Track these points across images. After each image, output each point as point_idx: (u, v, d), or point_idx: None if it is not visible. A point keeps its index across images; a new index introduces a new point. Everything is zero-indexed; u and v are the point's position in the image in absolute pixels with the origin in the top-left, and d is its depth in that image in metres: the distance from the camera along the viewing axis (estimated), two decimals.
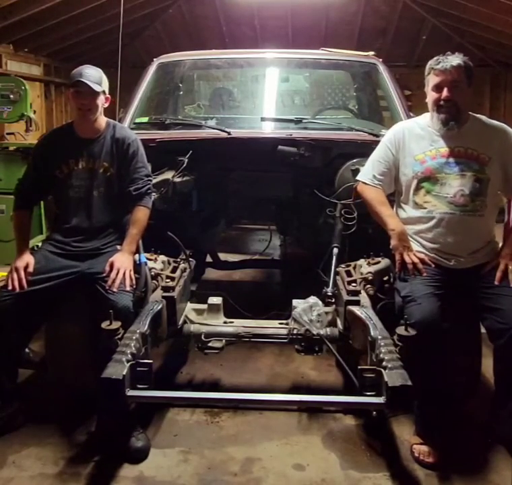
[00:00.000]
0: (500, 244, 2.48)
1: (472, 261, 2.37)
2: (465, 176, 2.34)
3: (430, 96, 2.38)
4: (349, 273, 2.55)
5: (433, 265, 2.35)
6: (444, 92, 2.31)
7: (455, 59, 2.31)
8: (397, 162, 2.48)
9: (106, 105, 2.57)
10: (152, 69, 3.59)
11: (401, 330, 2.01)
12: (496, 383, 2.31)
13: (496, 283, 2.27)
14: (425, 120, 2.50)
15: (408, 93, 5.67)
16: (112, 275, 2.34)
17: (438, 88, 2.33)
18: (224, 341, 2.48)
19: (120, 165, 2.56)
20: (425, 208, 2.39)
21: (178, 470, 2.23)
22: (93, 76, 2.46)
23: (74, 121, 2.62)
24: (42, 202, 3.41)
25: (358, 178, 2.61)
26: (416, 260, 2.32)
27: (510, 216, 3.82)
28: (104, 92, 2.52)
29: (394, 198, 2.59)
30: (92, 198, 2.54)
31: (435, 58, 2.37)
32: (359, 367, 1.94)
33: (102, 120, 2.58)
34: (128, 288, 2.35)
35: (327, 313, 2.49)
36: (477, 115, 2.46)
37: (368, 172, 2.55)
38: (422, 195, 2.40)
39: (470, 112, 2.43)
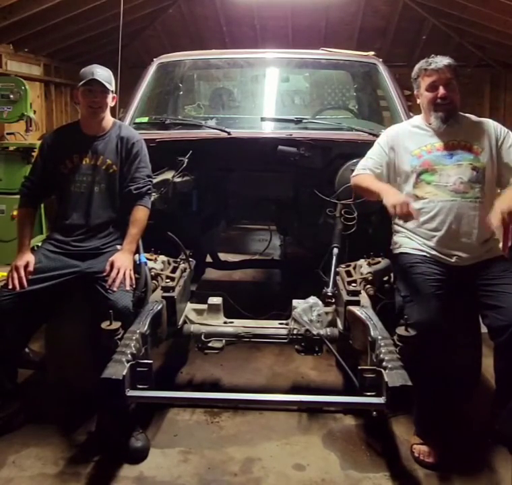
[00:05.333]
0: (501, 243, 2.49)
1: (473, 258, 2.37)
2: (462, 165, 2.39)
3: (425, 97, 2.45)
4: (349, 273, 2.55)
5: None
6: (441, 90, 2.38)
7: (444, 59, 2.40)
8: (391, 161, 2.52)
9: (113, 104, 2.62)
10: (152, 69, 3.59)
11: (401, 330, 2.01)
12: (497, 381, 2.31)
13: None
14: (417, 121, 2.57)
15: (408, 93, 5.66)
16: (113, 274, 2.34)
17: (432, 88, 2.40)
18: (223, 341, 2.48)
19: (123, 163, 2.58)
20: (426, 198, 2.41)
21: (178, 470, 2.23)
22: (105, 75, 2.53)
23: (80, 119, 2.66)
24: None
25: (353, 175, 2.62)
26: (406, 210, 2.20)
27: None
28: (112, 91, 2.57)
29: None
30: (93, 193, 2.55)
31: (423, 60, 2.45)
32: (359, 367, 1.94)
33: (109, 119, 2.63)
34: (128, 288, 2.35)
35: (327, 313, 2.50)
36: (465, 114, 2.52)
37: (362, 166, 2.58)
38: (423, 187, 2.43)
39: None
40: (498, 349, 2.23)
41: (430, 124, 2.46)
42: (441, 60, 2.38)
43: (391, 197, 2.29)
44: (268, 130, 3.29)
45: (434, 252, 2.38)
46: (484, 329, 2.33)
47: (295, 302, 2.50)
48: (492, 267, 2.34)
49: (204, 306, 2.62)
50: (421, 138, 2.48)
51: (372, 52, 3.76)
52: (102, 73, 2.52)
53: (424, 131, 2.49)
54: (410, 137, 2.50)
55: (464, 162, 2.40)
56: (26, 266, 2.38)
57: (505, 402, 2.24)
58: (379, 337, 2.03)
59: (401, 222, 2.49)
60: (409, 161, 2.46)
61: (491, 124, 2.48)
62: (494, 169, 2.43)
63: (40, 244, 2.74)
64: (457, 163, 2.40)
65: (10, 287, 2.33)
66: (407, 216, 2.23)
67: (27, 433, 2.42)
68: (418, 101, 2.52)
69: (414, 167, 2.44)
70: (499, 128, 2.47)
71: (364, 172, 2.56)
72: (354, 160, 2.83)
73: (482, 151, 2.42)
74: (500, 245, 2.56)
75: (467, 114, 2.53)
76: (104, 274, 2.36)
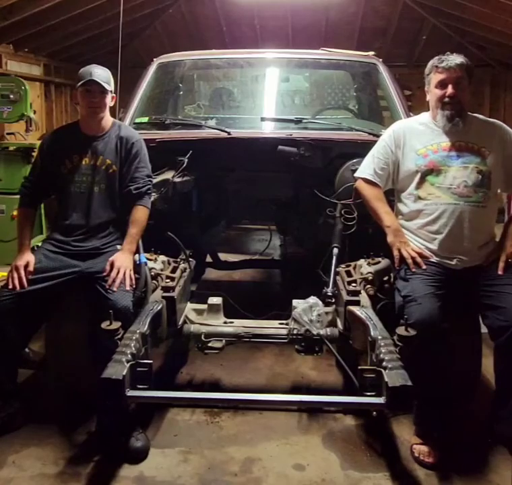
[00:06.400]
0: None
1: (474, 261, 2.37)
2: (468, 168, 2.38)
3: (433, 94, 2.43)
4: (349, 273, 2.55)
5: (433, 256, 2.37)
6: (449, 89, 2.37)
7: (457, 58, 2.38)
8: (397, 159, 2.51)
9: (112, 104, 2.62)
10: (152, 69, 3.59)
11: (401, 330, 2.01)
12: (497, 382, 2.31)
13: (499, 272, 2.29)
14: (424, 118, 2.55)
15: (408, 93, 5.67)
16: (113, 274, 2.34)
17: (442, 85, 2.39)
18: (224, 341, 2.49)
19: (122, 163, 2.58)
20: (429, 200, 2.41)
21: (178, 470, 2.23)
22: (103, 75, 2.53)
23: (80, 119, 2.66)
24: None
25: (356, 175, 2.63)
26: (414, 254, 2.35)
27: (510, 213, 3.85)
28: (111, 91, 2.57)
29: (394, 198, 2.60)
30: (93, 194, 2.55)
31: (437, 57, 2.43)
32: (359, 367, 1.94)
33: (108, 119, 2.63)
34: (128, 288, 2.35)
35: (327, 313, 2.50)
36: (474, 114, 2.51)
37: (368, 168, 2.57)
38: (426, 187, 2.42)
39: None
40: (498, 349, 2.23)
41: (436, 122, 2.45)
42: (454, 59, 2.37)
43: (397, 243, 2.39)
44: (268, 130, 3.29)
45: (434, 256, 2.38)
46: (484, 329, 2.32)
47: (295, 302, 2.50)
48: (493, 268, 2.33)
49: (204, 306, 2.62)
50: (427, 136, 2.46)
51: (372, 52, 3.76)
52: (101, 73, 2.52)
53: (431, 129, 2.47)
54: (417, 135, 2.49)
55: (470, 164, 2.38)
56: (26, 266, 2.38)
57: (505, 402, 2.24)
58: (379, 337, 2.03)
59: (402, 222, 2.49)
60: (414, 160, 2.45)
61: (502, 127, 2.46)
62: (500, 173, 2.41)
63: (40, 244, 2.74)
64: (462, 165, 2.38)
65: (10, 287, 2.33)
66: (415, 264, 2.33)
67: (27, 433, 2.43)
68: (427, 97, 2.50)
69: (419, 166, 2.43)
70: (508, 132, 2.44)
71: (371, 177, 2.53)
72: (354, 160, 2.84)
73: (489, 154, 2.39)
74: None
75: (476, 115, 2.51)
76: (104, 274, 2.36)
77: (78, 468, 2.22)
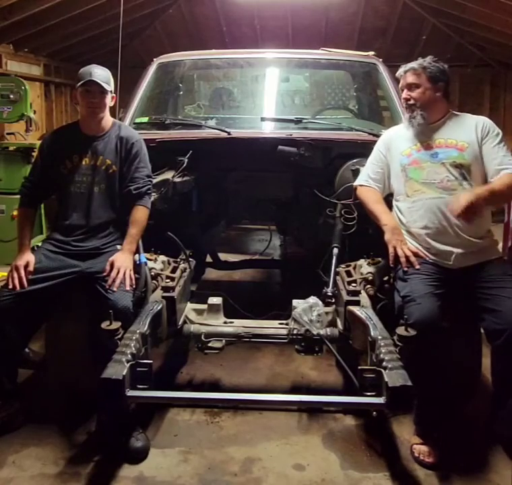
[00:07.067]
0: (501, 243, 2.49)
1: (470, 258, 2.37)
2: (446, 163, 2.43)
3: None
4: (349, 273, 2.55)
5: (429, 256, 2.38)
6: (403, 94, 2.53)
7: (411, 64, 2.50)
8: (388, 163, 2.60)
9: (112, 104, 2.62)
10: (152, 69, 3.59)
11: (401, 330, 2.01)
12: (495, 383, 2.31)
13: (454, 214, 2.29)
14: None
15: None
16: (113, 274, 2.34)
17: (402, 91, 2.54)
18: (223, 341, 2.49)
19: (122, 163, 2.58)
20: (415, 196, 2.45)
21: (178, 470, 2.23)
22: (103, 75, 2.53)
23: (80, 119, 2.66)
24: None
25: (355, 183, 2.70)
26: (409, 253, 2.36)
27: (510, 215, 3.85)
28: (111, 91, 2.57)
29: (392, 198, 2.62)
30: (93, 194, 2.55)
31: None
32: (359, 367, 1.94)
33: (108, 119, 2.63)
34: (128, 288, 2.35)
35: (327, 313, 2.50)
36: (458, 112, 2.58)
37: (364, 175, 2.68)
38: (411, 184, 2.47)
39: (450, 110, 2.55)
40: (496, 352, 2.23)
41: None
42: (406, 65, 2.50)
43: (394, 241, 2.41)
44: (268, 130, 3.29)
45: (431, 256, 2.38)
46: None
47: (295, 302, 2.50)
48: (491, 270, 2.33)
49: (204, 306, 2.62)
50: (411, 138, 2.54)
51: (372, 52, 3.76)
52: (100, 74, 2.52)
53: (414, 130, 2.52)
54: (402, 137, 2.57)
55: (449, 160, 2.43)
56: (26, 266, 2.38)
57: (504, 403, 2.24)
58: (379, 337, 2.03)
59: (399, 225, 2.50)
60: (399, 160, 2.53)
61: (480, 121, 2.49)
62: (480, 165, 2.44)
63: (40, 244, 2.74)
64: (442, 161, 2.44)
65: (10, 287, 2.33)
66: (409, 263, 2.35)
67: (27, 433, 2.43)
68: None
69: (404, 165, 2.50)
70: (488, 125, 2.46)
71: (365, 182, 2.63)
72: (354, 160, 2.86)
73: (468, 147, 2.43)
74: (500, 246, 2.56)
75: (462, 113, 2.57)
76: (104, 274, 2.36)
77: (78, 468, 2.22)
